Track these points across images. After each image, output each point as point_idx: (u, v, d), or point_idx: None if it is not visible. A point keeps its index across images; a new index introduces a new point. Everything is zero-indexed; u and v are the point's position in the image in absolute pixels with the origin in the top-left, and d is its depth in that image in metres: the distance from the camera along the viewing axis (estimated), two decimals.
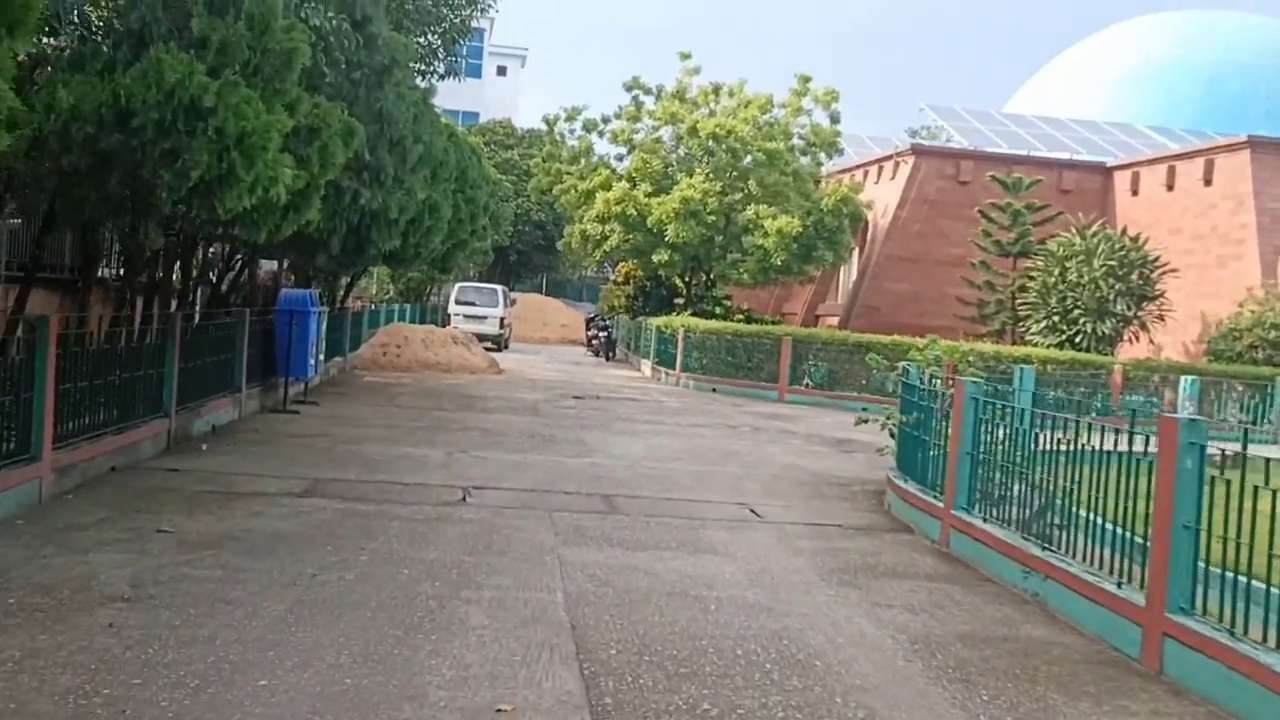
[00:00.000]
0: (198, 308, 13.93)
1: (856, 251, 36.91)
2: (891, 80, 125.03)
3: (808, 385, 23.84)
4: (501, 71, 69.23)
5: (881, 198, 35.58)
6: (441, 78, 16.51)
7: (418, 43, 14.76)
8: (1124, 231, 26.42)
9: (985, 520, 8.59)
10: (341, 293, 23.03)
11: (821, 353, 23.99)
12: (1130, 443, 6.83)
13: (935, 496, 9.56)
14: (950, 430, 9.28)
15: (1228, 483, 5.77)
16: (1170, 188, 32.77)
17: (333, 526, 8.27)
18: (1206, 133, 40.49)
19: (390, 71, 10.95)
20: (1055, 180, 34.24)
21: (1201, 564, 5.97)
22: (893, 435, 12.37)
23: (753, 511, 10.24)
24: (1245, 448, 5.73)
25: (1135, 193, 34.26)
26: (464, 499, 9.80)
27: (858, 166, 38.43)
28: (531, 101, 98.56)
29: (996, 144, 37.17)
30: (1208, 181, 31.30)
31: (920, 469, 10.25)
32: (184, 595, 6.29)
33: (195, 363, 12.30)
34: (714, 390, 24.67)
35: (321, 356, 16.55)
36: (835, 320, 36.41)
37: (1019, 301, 29.50)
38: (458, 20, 15.70)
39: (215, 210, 7.15)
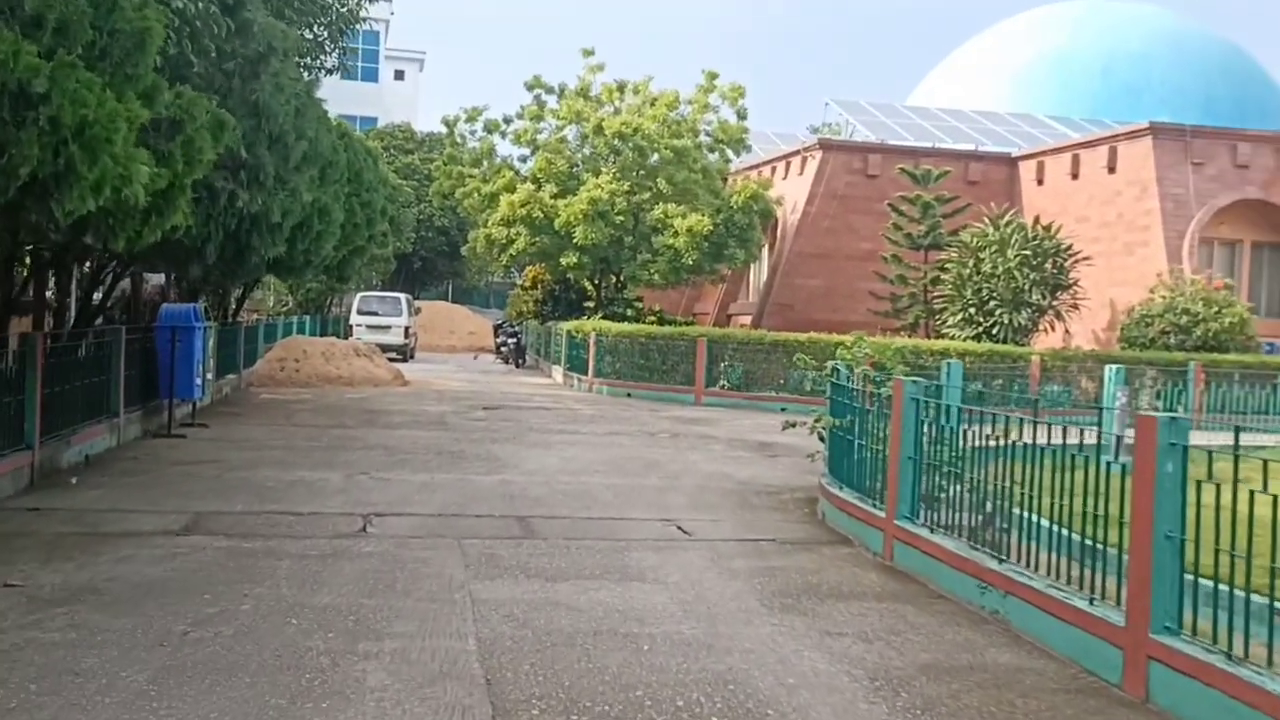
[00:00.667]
0: (67, 326, 12.75)
1: (767, 249, 36.54)
2: (792, 78, 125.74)
3: (724, 387, 23.23)
4: (399, 75, 67.62)
5: (790, 194, 35.22)
6: (329, 72, 15.41)
7: (303, 35, 13.74)
8: (1036, 221, 26.31)
9: (932, 530, 7.97)
10: (234, 306, 21.78)
11: (738, 353, 23.40)
12: (1098, 439, 6.25)
13: (875, 505, 8.92)
14: (890, 433, 8.64)
15: (1217, 486, 5.16)
16: (1075, 176, 32.95)
17: (213, 570, 7.32)
18: (1105, 121, 40.95)
19: (266, 60, 9.93)
20: (962, 171, 34.22)
21: (1189, 577, 5.37)
22: (822, 439, 11.75)
23: (680, 529, 9.50)
24: (1237, 443, 5.13)
25: (1041, 182, 34.42)
26: (364, 529, 8.90)
27: (765, 163, 38.06)
28: (431, 105, 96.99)
29: (903, 137, 37.07)
30: (1111, 169, 31.50)
31: (856, 475, 9.61)
32: (25, 667, 5.33)
33: (63, 387, 11.18)
34: (629, 395, 23.95)
35: (210, 375, 15.42)
36: (748, 319, 35.97)
37: (933, 294, 29.34)
38: (344, 9, 14.65)
39: (54, 213, 6.16)
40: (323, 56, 14.88)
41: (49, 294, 14.95)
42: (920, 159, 33.44)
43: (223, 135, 8.32)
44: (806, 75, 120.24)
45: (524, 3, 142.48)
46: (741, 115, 32.77)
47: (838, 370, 11.02)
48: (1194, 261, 28.97)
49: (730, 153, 33.24)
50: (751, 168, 37.68)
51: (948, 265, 26.63)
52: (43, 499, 9.54)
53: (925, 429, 8.28)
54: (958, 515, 7.74)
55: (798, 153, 36.29)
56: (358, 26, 14.80)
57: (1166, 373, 22.01)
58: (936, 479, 8.06)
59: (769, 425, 19.51)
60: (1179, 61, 47.49)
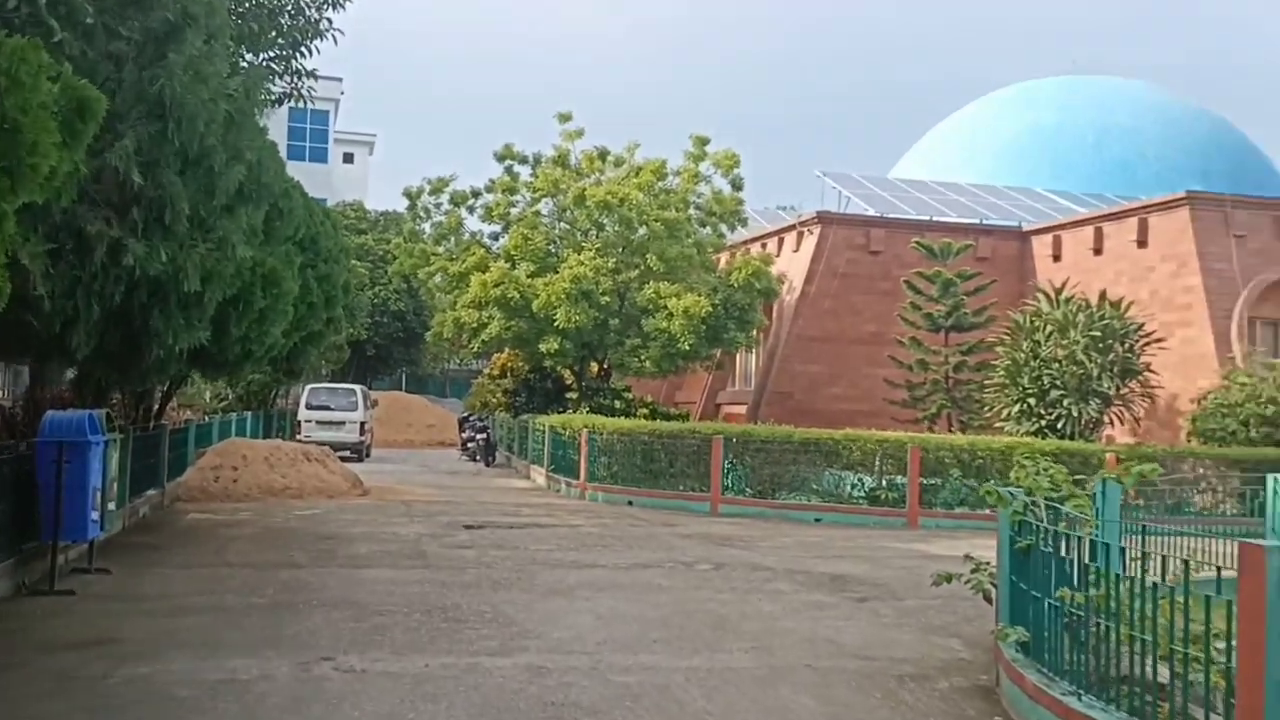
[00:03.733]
0: None
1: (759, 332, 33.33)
2: (761, 155, 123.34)
3: (746, 494, 19.70)
4: (349, 159, 65.07)
5: (787, 272, 32.10)
6: (278, 102, 11.92)
7: (244, 58, 10.32)
8: (1103, 297, 23.25)
9: None
10: (157, 405, 17.97)
11: (760, 453, 19.88)
12: None
13: None
14: (1239, 638, 5.12)
15: None
16: (1098, 251, 30.22)
17: None
18: (1106, 195, 38.76)
19: (179, 36, 6.38)
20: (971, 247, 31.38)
21: None
22: (988, 600, 8.28)
23: None
24: None
25: (1058, 258, 31.66)
26: None
27: (757, 239, 35.04)
28: (382, 190, 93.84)
29: (901, 210, 34.27)
30: (1142, 243, 28.79)
31: (1107, 677, 6.09)
32: None
33: None
34: (630, 503, 20.31)
35: (112, 505, 11.59)
36: (741, 409, 32.63)
37: (956, 380, 26.24)
38: (301, 21, 11.21)
39: None
40: (269, 82, 11.44)
41: None
42: (925, 233, 30.63)
43: (85, 126, 4.72)
44: (776, 152, 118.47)
45: (483, 94, 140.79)
46: (737, 185, 29.76)
47: (1022, 504, 7.56)
48: (1244, 344, 26.13)
49: (724, 227, 30.10)
50: (742, 244, 34.59)
51: (998, 348, 23.45)
52: None
53: None
54: None
55: (793, 227, 33.34)
56: (316, 43, 11.45)
57: (1255, 471, 18.83)
58: None
59: (818, 543, 16.06)
60: (1171, 136, 45.71)
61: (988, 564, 8.40)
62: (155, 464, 16.76)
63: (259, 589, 10.79)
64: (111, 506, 11.45)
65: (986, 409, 23.83)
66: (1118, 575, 6.13)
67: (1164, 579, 6.10)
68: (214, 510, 17.49)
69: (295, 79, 11.42)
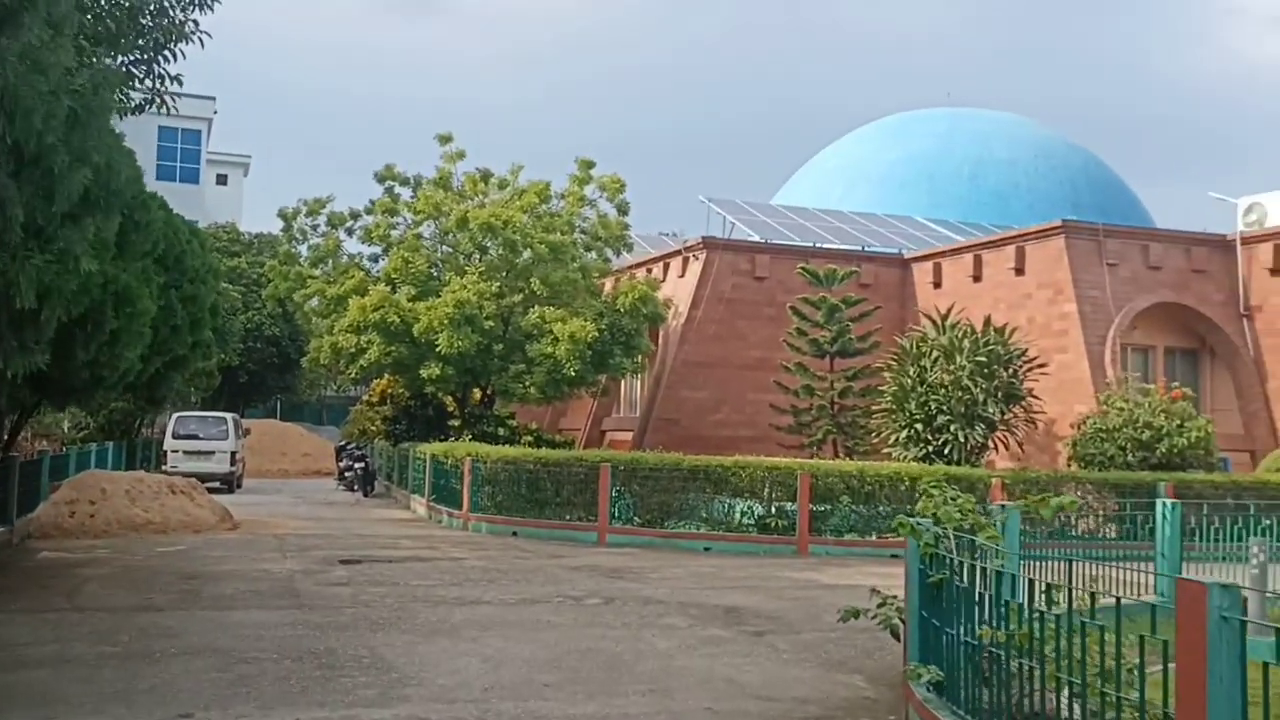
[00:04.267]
0: None
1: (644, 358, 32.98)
2: (650, 185, 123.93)
3: (635, 523, 19.25)
4: (222, 180, 62.93)
5: (673, 298, 31.86)
6: (139, 109, 11.03)
7: (99, 58, 9.49)
8: (987, 323, 23.48)
9: None
10: (6, 435, 16.73)
11: (649, 481, 19.45)
12: None
13: None
14: (1177, 680, 4.83)
15: None
16: (978, 278, 30.69)
17: None
18: (983, 224, 39.63)
19: (15, 21, 5.64)
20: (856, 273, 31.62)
21: None
22: (896, 636, 7.95)
23: None
24: None
25: (938, 285, 32.05)
26: None
27: (642, 264, 34.71)
28: (256, 213, 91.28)
29: (786, 237, 34.41)
30: (1020, 271, 29.34)
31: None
32: None
33: None
34: (514, 534, 19.70)
35: None
36: (626, 436, 32.24)
37: (841, 406, 26.25)
38: (165, 22, 10.35)
39: None
40: (130, 86, 10.51)
41: None
42: (809, 259, 30.70)
43: None
44: (659, 178, 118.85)
45: (361, 122, 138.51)
46: (622, 210, 29.41)
47: (935, 536, 7.26)
48: (1117, 368, 26.76)
49: (609, 251, 29.73)
50: (628, 269, 34.25)
51: (884, 373, 23.49)
52: None
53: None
54: None
55: (679, 253, 33.13)
56: (181, 46, 10.60)
57: (1132, 495, 19.13)
58: None
59: (709, 574, 15.69)
60: (1045, 168, 47.13)
61: (894, 598, 8.08)
62: (4, 499, 15.56)
63: (112, 636, 9.91)
64: None
65: (873, 435, 23.86)
66: (1041, 612, 5.82)
67: (1093, 612, 5.82)
68: (68, 548, 16.32)
69: (158, 83, 10.56)
